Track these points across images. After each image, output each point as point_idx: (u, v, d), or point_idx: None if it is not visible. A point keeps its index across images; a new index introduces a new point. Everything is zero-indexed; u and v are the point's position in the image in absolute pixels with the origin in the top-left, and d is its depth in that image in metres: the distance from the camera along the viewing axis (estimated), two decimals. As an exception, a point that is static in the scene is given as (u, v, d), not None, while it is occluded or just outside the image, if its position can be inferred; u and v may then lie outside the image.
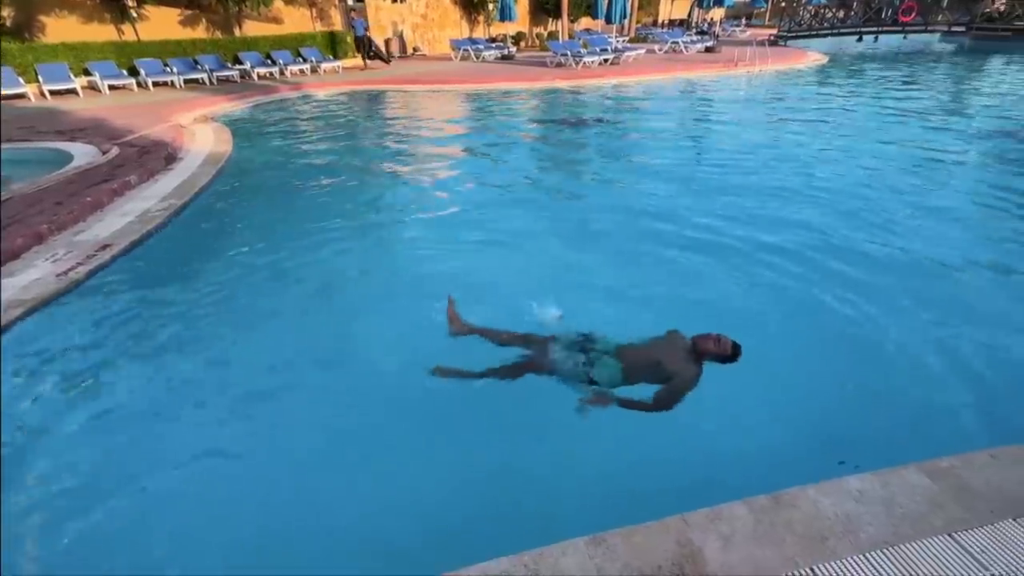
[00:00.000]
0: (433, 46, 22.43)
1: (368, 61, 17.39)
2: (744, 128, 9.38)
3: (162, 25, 14.74)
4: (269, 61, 15.60)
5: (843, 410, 2.79)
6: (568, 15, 21.75)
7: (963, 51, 20.64)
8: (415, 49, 21.75)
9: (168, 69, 13.53)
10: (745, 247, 4.51)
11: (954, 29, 21.92)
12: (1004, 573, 1.55)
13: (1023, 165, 6.84)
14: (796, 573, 1.58)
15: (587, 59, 16.39)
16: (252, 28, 16.54)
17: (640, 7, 29.39)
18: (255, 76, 14.85)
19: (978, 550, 1.62)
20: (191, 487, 2.40)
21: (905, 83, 13.85)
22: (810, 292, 3.82)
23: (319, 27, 18.29)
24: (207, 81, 13.91)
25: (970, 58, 18.63)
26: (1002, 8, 21.45)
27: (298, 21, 17.78)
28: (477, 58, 19.42)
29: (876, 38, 22.87)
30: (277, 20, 17.30)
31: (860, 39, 22.81)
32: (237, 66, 14.83)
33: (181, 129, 8.73)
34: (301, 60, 16.10)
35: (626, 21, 22.81)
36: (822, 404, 2.81)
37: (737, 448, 2.48)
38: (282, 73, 15.42)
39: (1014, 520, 1.72)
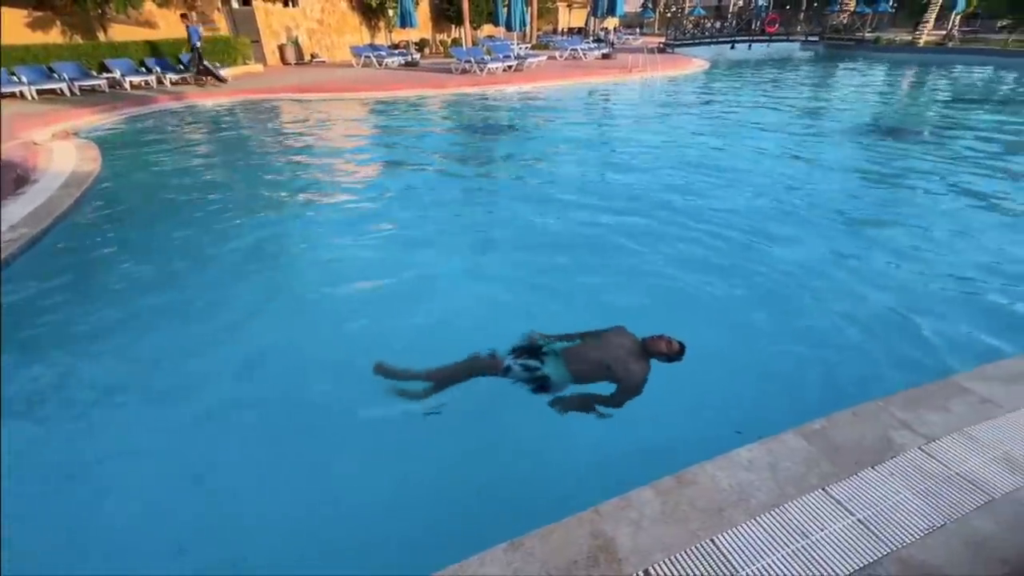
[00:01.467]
0: (333, 52, 21.60)
1: (201, 78, 14.15)
2: (644, 128, 10.01)
3: (3, 28, 12.81)
4: (143, 69, 14.12)
5: (732, 384, 3.04)
6: (470, 22, 21.93)
7: (818, 57, 23.62)
8: (313, 56, 20.80)
9: (15, 78, 11.77)
10: (641, 239, 4.81)
11: (810, 39, 25.06)
12: (866, 515, 1.77)
13: (865, 147, 7.95)
14: (699, 546, 1.68)
15: (492, 66, 16.61)
16: (120, 32, 14.89)
17: (540, 15, 30.38)
18: (127, 85, 13.39)
19: (846, 498, 1.84)
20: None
21: (775, 84, 15.58)
22: (692, 278, 4.16)
23: (202, 31, 16.88)
24: (67, 91, 12.30)
25: (824, 63, 21.36)
26: (845, 21, 24.89)
27: (175, 25, 16.29)
28: (380, 65, 18.98)
29: (749, 46, 25.47)
30: (150, 24, 15.74)
31: (733, 47, 25.31)
32: (104, 74, 13.24)
33: (35, 147, 7.63)
34: (182, 68, 14.76)
35: (527, 28, 23.44)
36: (714, 380, 3.04)
37: (643, 433, 2.61)
38: (160, 82, 14.04)
39: (872, 468, 1.97)
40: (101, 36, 14.59)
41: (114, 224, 5.47)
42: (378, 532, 2.21)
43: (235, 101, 12.57)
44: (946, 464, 1.98)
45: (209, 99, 12.48)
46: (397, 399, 2.72)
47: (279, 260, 4.76)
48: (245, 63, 17.18)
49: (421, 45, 23.64)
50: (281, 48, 19.64)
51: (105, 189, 6.33)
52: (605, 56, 21.07)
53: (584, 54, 21.16)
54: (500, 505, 2.27)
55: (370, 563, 2.06)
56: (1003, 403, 2.30)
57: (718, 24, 26.23)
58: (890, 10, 26.51)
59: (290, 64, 19.70)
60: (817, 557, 1.64)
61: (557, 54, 21.71)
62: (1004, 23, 22.73)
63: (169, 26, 16.11)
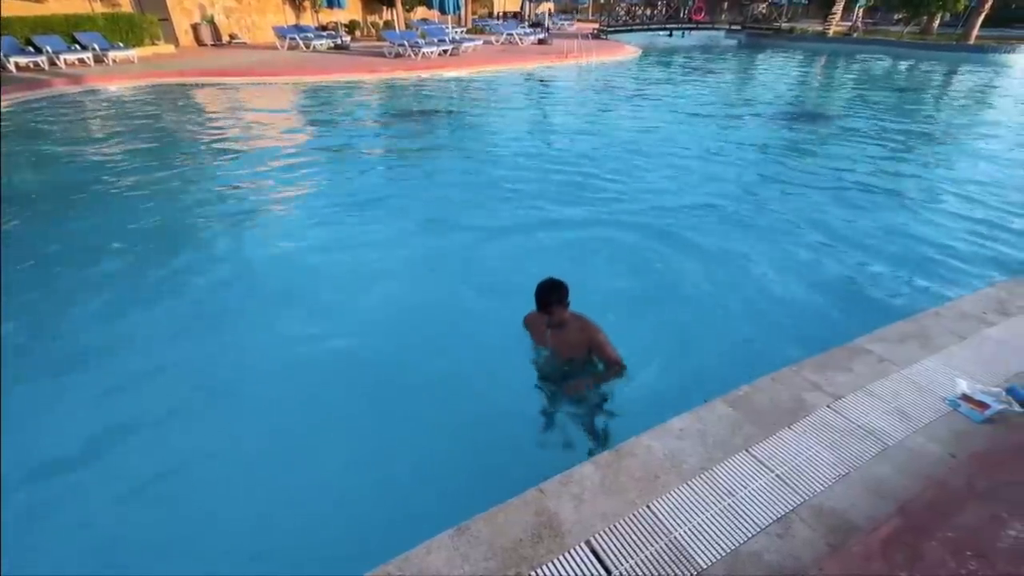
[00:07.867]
0: (254, 34, 20.22)
1: None
2: (580, 113, 10.16)
3: None
4: (31, 49, 12.61)
5: (664, 356, 3.19)
6: (403, 4, 21.21)
7: (741, 45, 24.88)
8: (232, 37, 19.38)
9: None
10: (586, 220, 4.93)
11: (732, 28, 26.32)
12: (783, 471, 1.93)
13: (782, 127, 8.52)
14: (636, 513, 1.78)
15: (426, 50, 16.20)
16: (-1, 6, 13.17)
17: (474, -1, 29.87)
18: (12, 67, 11.91)
19: (765, 457, 2.00)
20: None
21: (704, 70, 16.27)
22: (632, 253, 4.35)
23: (99, 8, 15.28)
24: (-64, 74, 10.79)
25: (746, 51, 22.53)
26: (764, 11, 26.33)
27: (67, 0, 14.63)
28: (308, 47, 18.00)
29: (684, 34, 26.39)
30: (36, -3, 14.03)
31: (670, 34, 26.25)
32: (-18, 54, 11.73)
33: (-102, 137, 6.65)
34: (79, 48, 13.31)
35: (461, 12, 22.98)
36: (648, 353, 3.18)
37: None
38: (53, 63, 12.60)
39: (788, 427, 2.15)
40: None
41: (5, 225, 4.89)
42: (321, 528, 2.16)
43: (144, 85, 11.53)
44: (850, 419, 2.20)
45: (113, 83, 11.36)
46: (339, 395, 2.66)
47: (202, 266, 4.44)
48: (154, 43, 15.76)
49: (351, 27, 22.62)
50: (195, 28, 18.13)
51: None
52: (541, 41, 21.08)
53: (520, 39, 21.07)
54: (448, 494, 2.28)
55: (312, 559, 2.02)
56: (897, 361, 2.57)
57: (648, 12, 26.94)
58: (803, 2, 28.28)
59: (206, 45, 18.26)
60: (741, 512, 1.77)
61: (493, 39, 21.50)
62: (900, 16, 24.89)
63: (60, 1, 14.43)
